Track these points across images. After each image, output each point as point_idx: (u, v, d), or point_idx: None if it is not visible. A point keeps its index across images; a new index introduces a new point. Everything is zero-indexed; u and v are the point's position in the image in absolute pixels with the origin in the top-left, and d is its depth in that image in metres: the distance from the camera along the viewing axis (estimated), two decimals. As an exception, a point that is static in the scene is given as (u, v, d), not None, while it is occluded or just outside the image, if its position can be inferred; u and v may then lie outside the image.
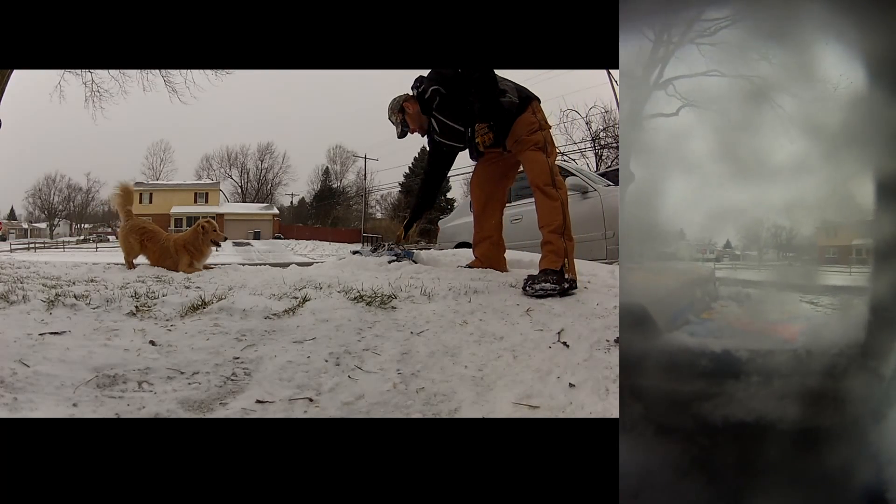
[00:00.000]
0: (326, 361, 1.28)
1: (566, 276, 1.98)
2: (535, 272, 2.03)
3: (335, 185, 40.17)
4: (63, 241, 31.06)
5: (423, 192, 2.70)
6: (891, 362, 0.88)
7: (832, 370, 0.87)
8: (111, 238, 27.61)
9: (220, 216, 28.30)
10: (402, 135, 2.48)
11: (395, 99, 2.46)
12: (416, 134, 2.47)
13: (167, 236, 3.06)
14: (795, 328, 0.93)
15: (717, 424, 0.86)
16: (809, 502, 0.86)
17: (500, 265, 2.49)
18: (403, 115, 2.41)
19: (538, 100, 2.29)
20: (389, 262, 2.50)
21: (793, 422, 0.85)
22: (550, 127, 2.31)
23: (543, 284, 1.91)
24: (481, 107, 2.15)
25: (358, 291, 1.89)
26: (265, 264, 3.70)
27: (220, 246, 3.10)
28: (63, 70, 9.16)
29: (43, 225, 37.73)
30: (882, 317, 0.87)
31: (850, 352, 0.88)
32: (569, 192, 2.28)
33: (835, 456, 0.85)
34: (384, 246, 2.84)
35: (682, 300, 1.01)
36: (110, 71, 9.31)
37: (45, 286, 2.12)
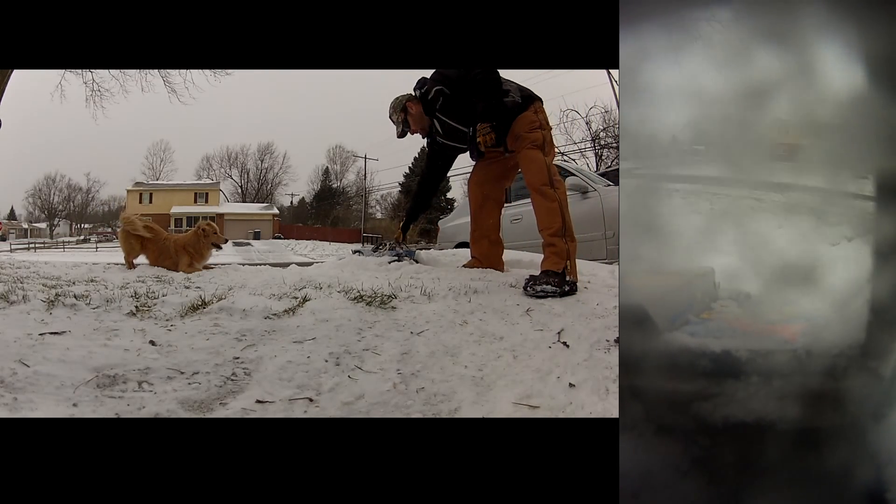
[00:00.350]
0: (326, 361, 1.28)
1: (567, 279, 1.98)
2: (536, 272, 2.03)
3: (335, 185, 40.22)
4: (63, 241, 31.07)
5: (420, 194, 2.70)
6: (891, 362, 0.88)
7: (832, 370, 0.87)
8: (115, 238, 27.64)
9: (220, 216, 28.34)
10: (401, 135, 2.48)
11: (397, 98, 2.45)
12: (416, 134, 2.47)
13: (167, 236, 3.05)
14: (795, 328, 0.93)
15: (717, 424, 0.86)
16: (809, 502, 0.86)
17: (498, 265, 2.48)
18: (405, 114, 2.41)
19: (541, 100, 2.28)
20: (390, 262, 2.50)
21: (793, 422, 0.85)
22: (551, 128, 2.31)
23: (545, 286, 1.91)
24: (485, 107, 2.15)
25: (358, 291, 1.89)
26: (265, 264, 3.69)
27: (220, 248, 3.10)
28: (64, 70, 9.16)
29: (43, 225, 37.77)
30: (882, 317, 0.87)
31: (850, 352, 0.88)
32: (569, 192, 2.27)
33: (835, 456, 0.85)
34: (385, 245, 2.84)
35: (682, 300, 1.01)
36: (111, 70, 9.31)
37: (45, 286, 2.12)
